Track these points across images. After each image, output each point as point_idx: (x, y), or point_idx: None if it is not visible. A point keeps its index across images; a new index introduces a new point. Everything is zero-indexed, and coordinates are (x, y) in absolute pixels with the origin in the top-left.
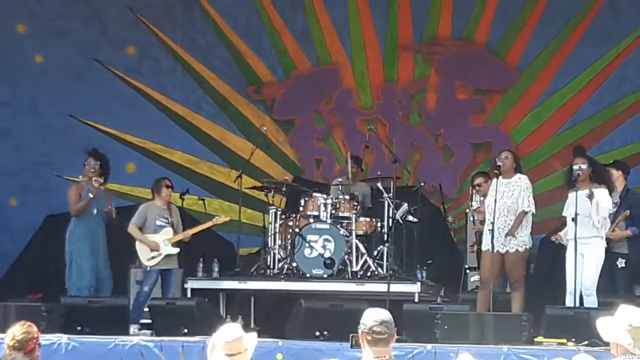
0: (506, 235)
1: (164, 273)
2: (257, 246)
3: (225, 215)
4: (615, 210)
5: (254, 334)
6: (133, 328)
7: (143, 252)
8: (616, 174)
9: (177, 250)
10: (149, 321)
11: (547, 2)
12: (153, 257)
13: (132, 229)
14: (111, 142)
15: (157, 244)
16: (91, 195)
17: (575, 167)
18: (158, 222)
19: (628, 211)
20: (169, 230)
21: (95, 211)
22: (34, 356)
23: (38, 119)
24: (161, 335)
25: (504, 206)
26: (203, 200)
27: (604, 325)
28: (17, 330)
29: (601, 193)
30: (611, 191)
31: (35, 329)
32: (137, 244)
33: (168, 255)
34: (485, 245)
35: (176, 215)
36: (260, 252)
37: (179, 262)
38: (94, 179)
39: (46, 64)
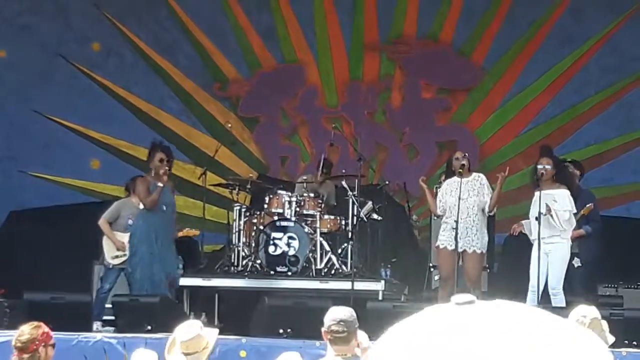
0: None
1: (128, 272)
2: (221, 243)
3: (190, 211)
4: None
5: (215, 330)
6: (96, 325)
7: (109, 249)
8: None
9: None
10: (112, 318)
11: (511, 3)
12: (117, 256)
13: (102, 223)
14: (75, 138)
15: (124, 244)
16: (161, 185)
17: (539, 167)
18: (129, 222)
19: (591, 204)
20: None
21: (164, 207)
22: (40, 357)
23: (1, 115)
24: (124, 331)
25: (472, 205)
26: None
27: None
28: (24, 330)
29: (562, 195)
30: (573, 192)
31: (41, 330)
32: (104, 239)
33: None
34: (443, 243)
35: None
36: (225, 249)
37: None
38: (161, 171)
39: (10, 59)
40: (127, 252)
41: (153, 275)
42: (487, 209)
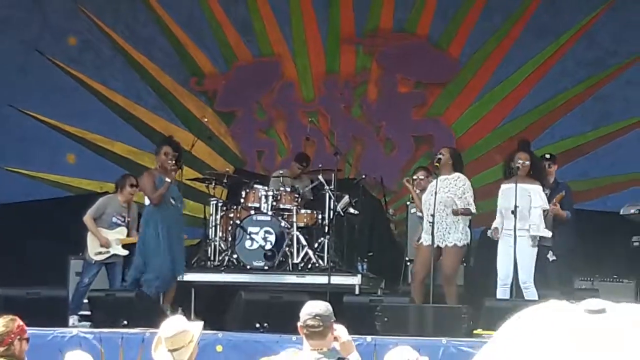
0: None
1: (109, 266)
2: (198, 238)
3: None
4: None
5: (200, 323)
6: (72, 319)
7: (93, 245)
8: (553, 167)
9: (126, 252)
10: (89, 313)
11: None
12: (100, 253)
13: (87, 219)
14: (51, 133)
15: (108, 241)
16: (168, 180)
17: (519, 161)
18: (114, 219)
19: (563, 192)
20: (123, 230)
21: (172, 201)
22: (15, 350)
23: None
24: (100, 326)
25: (440, 201)
26: None
27: None
28: None
29: (535, 190)
30: (545, 188)
31: (16, 323)
32: (89, 235)
33: (115, 255)
34: (421, 239)
35: (134, 214)
36: (201, 243)
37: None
38: (168, 166)
39: None
40: (110, 250)
41: (164, 273)
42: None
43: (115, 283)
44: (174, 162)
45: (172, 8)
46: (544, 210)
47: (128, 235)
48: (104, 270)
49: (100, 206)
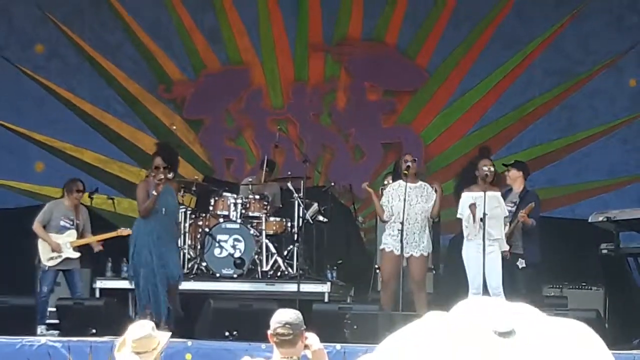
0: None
1: (66, 273)
2: None
3: (135, 213)
4: (514, 209)
5: (167, 334)
6: (40, 328)
7: (44, 251)
8: (516, 174)
9: (77, 254)
10: (57, 321)
11: (455, 5)
12: (52, 258)
13: (36, 226)
14: (19, 141)
15: (59, 245)
16: (154, 193)
17: (485, 168)
18: (62, 223)
19: (533, 203)
20: (73, 232)
21: (164, 211)
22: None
23: None
24: (69, 335)
25: (421, 211)
26: (112, 199)
27: None
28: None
29: (495, 197)
30: (502, 195)
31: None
32: (40, 241)
33: (68, 258)
34: (389, 247)
35: (84, 217)
36: None
37: (82, 262)
38: (156, 180)
39: None
40: (62, 254)
41: (156, 283)
42: (431, 216)
43: (77, 290)
44: (162, 176)
45: (140, 15)
46: (511, 219)
47: (81, 237)
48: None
49: (47, 211)
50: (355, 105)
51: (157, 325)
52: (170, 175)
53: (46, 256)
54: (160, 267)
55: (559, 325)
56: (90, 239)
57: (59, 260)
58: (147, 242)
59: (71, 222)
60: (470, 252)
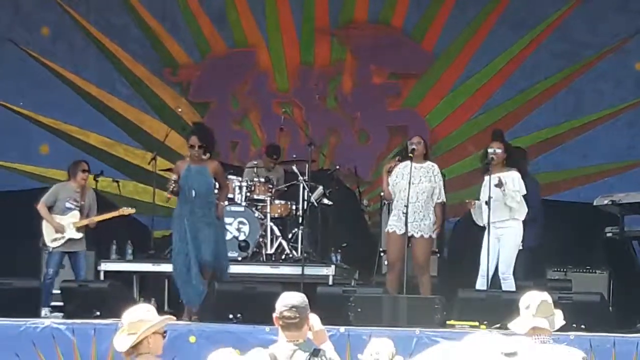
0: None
1: (71, 255)
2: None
3: (140, 196)
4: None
5: (165, 317)
6: (44, 311)
7: (48, 232)
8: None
9: (80, 235)
10: (61, 304)
11: None
12: (56, 239)
13: (40, 206)
14: (25, 123)
15: (62, 225)
16: (174, 177)
17: (490, 150)
18: (67, 204)
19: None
20: (76, 213)
21: (193, 193)
22: None
23: None
24: (73, 317)
25: (423, 190)
26: (117, 182)
27: (515, 325)
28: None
29: (511, 177)
30: (524, 175)
31: None
32: (44, 222)
33: (71, 239)
34: (392, 227)
35: (90, 199)
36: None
37: (87, 245)
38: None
39: None
40: (65, 234)
41: (188, 266)
42: (436, 198)
43: (80, 273)
44: (198, 155)
45: None
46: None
47: (87, 217)
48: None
49: (53, 193)
50: (360, 88)
51: (183, 312)
52: (205, 157)
53: (50, 237)
54: (193, 249)
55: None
56: (91, 219)
57: (63, 241)
58: (178, 225)
59: (76, 203)
60: (485, 237)
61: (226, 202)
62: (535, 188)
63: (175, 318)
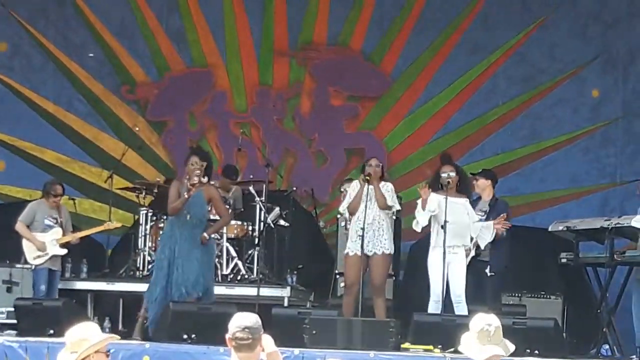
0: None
1: (50, 274)
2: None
3: (96, 214)
4: (485, 218)
5: (108, 335)
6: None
7: (29, 250)
8: (485, 183)
9: (64, 251)
10: (15, 321)
11: (421, 11)
12: (39, 256)
13: (19, 226)
14: None
15: (43, 243)
16: (185, 195)
17: (444, 174)
18: (46, 222)
19: (504, 214)
20: (58, 230)
21: (188, 217)
22: None
23: None
24: (26, 335)
25: (378, 212)
26: (73, 200)
27: (465, 346)
28: None
29: (468, 205)
30: (471, 203)
31: None
32: (24, 241)
33: (55, 256)
34: (352, 250)
35: (66, 215)
36: (130, 253)
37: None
38: (193, 175)
39: None
40: (47, 251)
41: (164, 286)
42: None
43: (54, 293)
44: (200, 172)
45: (104, 15)
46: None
47: (64, 235)
48: (30, 279)
49: (30, 211)
50: (319, 110)
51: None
52: (204, 179)
53: (32, 255)
54: (174, 272)
55: None
56: (78, 233)
57: (46, 258)
58: (167, 244)
59: (55, 220)
60: (434, 260)
61: (215, 236)
62: (507, 209)
63: (119, 337)
